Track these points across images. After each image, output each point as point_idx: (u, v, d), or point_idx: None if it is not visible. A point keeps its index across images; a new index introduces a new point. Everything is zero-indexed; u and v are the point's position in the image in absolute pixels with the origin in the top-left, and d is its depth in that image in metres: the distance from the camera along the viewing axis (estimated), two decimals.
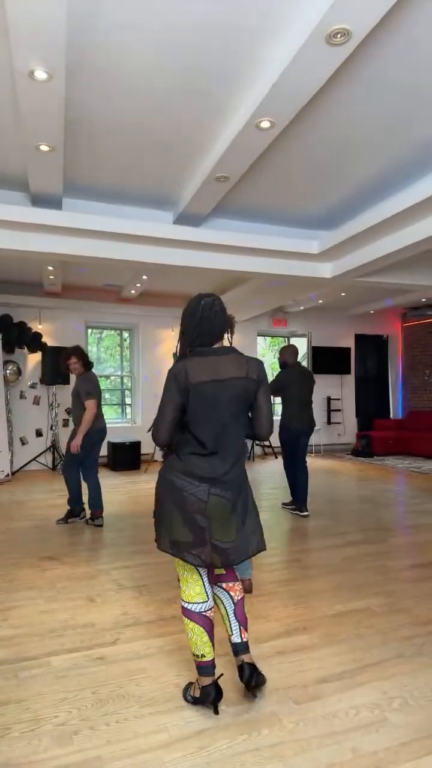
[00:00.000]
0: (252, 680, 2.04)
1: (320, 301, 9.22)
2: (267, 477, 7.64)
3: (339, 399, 10.82)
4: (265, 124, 3.37)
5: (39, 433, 8.57)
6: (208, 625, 2.06)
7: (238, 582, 2.20)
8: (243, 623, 2.14)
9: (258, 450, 10.07)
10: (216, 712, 2.02)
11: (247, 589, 3.21)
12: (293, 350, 5.47)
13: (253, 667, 2.06)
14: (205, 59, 2.95)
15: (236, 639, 2.11)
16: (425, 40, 2.81)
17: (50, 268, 6.75)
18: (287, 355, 5.44)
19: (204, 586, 2.09)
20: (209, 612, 2.08)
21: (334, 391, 10.82)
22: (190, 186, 4.61)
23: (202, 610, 2.06)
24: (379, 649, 2.52)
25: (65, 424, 8.68)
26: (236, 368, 2.03)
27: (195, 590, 2.08)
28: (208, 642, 2.04)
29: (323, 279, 6.31)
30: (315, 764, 1.74)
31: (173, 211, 5.20)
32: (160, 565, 3.68)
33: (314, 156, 4.15)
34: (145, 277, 7.42)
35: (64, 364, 4.96)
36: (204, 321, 2.05)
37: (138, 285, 7.99)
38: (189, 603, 2.08)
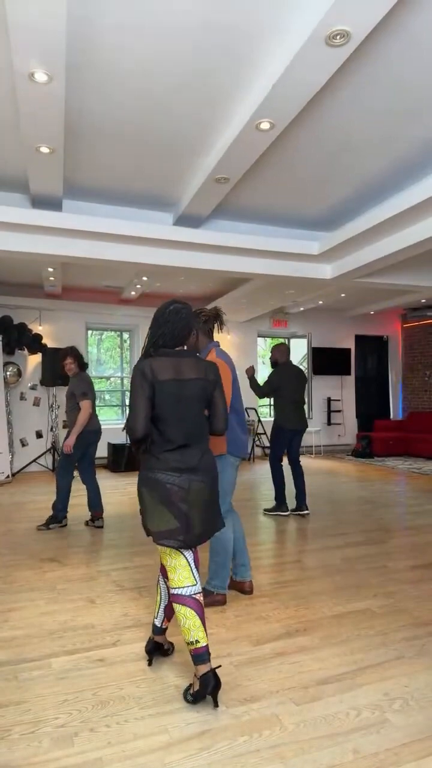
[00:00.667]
0: (152, 651, 2.39)
1: (320, 302, 9.22)
2: (266, 477, 7.63)
3: (339, 400, 10.82)
4: (265, 126, 3.37)
5: (39, 435, 8.57)
6: (199, 609, 2.13)
7: None
8: (168, 616, 2.36)
9: (258, 451, 10.07)
10: (216, 704, 2.03)
11: (248, 590, 3.21)
12: (284, 349, 5.47)
13: (158, 644, 2.40)
14: (205, 60, 2.96)
15: (157, 623, 2.38)
16: (425, 41, 2.81)
17: (50, 269, 6.75)
18: (278, 353, 5.44)
19: (192, 570, 2.19)
20: (199, 595, 2.16)
21: (335, 392, 10.82)
22: (190, 187, 4.62)
23: (193, 593, 2.14)
24: (380, 650, 2.51)
25: (65, 425, 8.65)
26: (195, 370, 2.22)
27: (183, 575, 2.17)
28: (201, 626, 2.09)
29: (323, 280, 6.32)
30: (316, 765, 1.74)
31: (173, 213, 5.21)
32: None
33: (314, 157, 4.15)
34: (145, 278, 7.43)
35: (60, 365, 4.95)
36: (167, 324, 2.22)
37: (138, 286, 7.99)
38: (179, 587, 2.15)
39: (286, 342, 10.88)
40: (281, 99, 3.08)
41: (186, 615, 2.10)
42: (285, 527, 4.90)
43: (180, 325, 2.23)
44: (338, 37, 2.52)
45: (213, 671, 2.06)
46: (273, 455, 5.42)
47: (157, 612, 2.38)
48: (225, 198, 4.73)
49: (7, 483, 7.40)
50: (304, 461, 9.18)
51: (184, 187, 4.69)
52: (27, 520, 5.19)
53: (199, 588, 2.17)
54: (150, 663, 2.38)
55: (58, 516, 4.86)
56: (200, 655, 2.06)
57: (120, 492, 6.66)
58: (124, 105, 3.42)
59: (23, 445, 8.46)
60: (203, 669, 2.05)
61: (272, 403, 5.44)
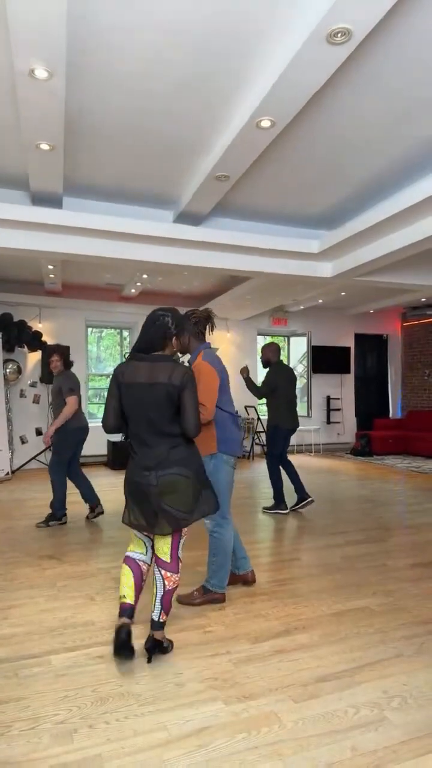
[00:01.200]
0: (151, 648, 2.40)
1: (320, 301, 9.21)
2: (265, 475, 7.63)
3: (339, 398, 10.82)
4: (266, 124, 3.37)
5: (39, 432, 8.57)
6: (138, 572, 2.48)
7: (176, 574, 2.45)
8: (166, 609, 2.43)
9: (258, 449, 10.08)
10: (117, 653, 2.33)
11: (252, 580, 3.31)
12: (276, 348, 5.50)
13: (157, 641, 2.42)
14: (205, 58, 2.95)
15: (155, 617, 2.43)
16: (426, 39, 2.81)
17: (50, 266, 6.75)
18: (270, 353, 5.44)
19: (146, 547, 2.54)
20: (144, 565, 2.51)
21: (334, 391, 10.83)
22: (190, 185, 4.61)
23: (139, 558, 2.51)
24: (379, 648, 2.52)
25: None
26: (164, 375, 2.35)
27: (139, 546, 2.54)
28: (133, 586, 2.44)
29: (323, 278, 6.32)
30: (314, 763, 1.75)
31: (173, 210, 5.20)
32: None
33: (315, 155, 4.15)
34: (145, 275, 7.42)
35: (46, 362, 5.00)
36: (142, 330, 2.46)
37: (138, 284, 7.99)
38: (130, 552, 2.54)
39: (287, 340, 10.89)
40: (282, 97, 3.07)
41: (124, 573, 2.48)
42: (284, 525, 4.91)
43: (152, 330, 2.41)
44: (339, 35, 2.52)
45: (125, 628, 2.33)
46: (271, 455, 5.40)
47: (154, 605, 2.42)
48: (225, 196, 4.72)
49: (6, 480, 7.40)
50: (303, 459, 9.20)
51: (184, 184, 4.68)
52: (27, 518, 5.19)
53: (148, 559, 2.52)
54: (149, 660, 2.39)
55: (57, 514, 4.87)
56: (124, 610, 2.40)
57: (119, 489, 6.65)
58: (125, 103, 3.41)
59: (23, 443, 8.46)
60: (119, 622, 2.37)
61: (266, 402, 5.46)
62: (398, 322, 11.37)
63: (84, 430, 4.91)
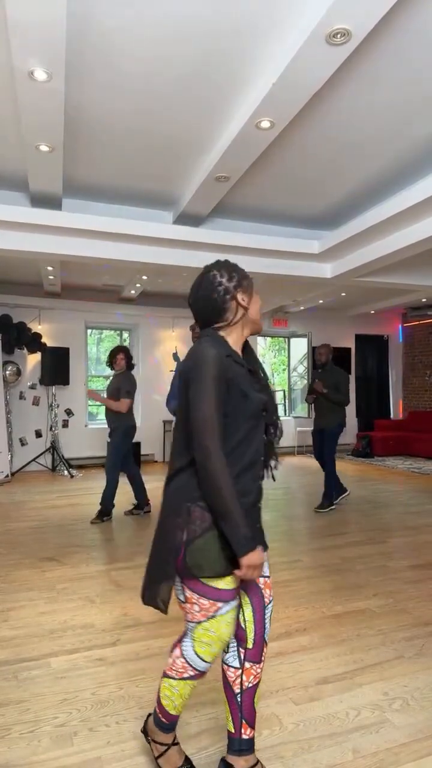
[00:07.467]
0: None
1: (320, 301, 9.21)
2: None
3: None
4: (265, 124, 3.37)
5: (38, 434, 8.56)
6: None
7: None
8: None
9: None
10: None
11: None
12: (332, 348, 5.90)
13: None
14: (205, 58, 2.95)
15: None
16: (426, 39, 2.80)
17: (50, 268, 6.75)
18: (330, 353, 5.83)
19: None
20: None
21: None
22: (190, 186, 4.61)
23: None
24: (379, 649, 2.51)
25: (65, 425, 8.67)
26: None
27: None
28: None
29: (323, 279, 6.31)
30: (315, 765, 1.74)
31: (173, 211, 5.20)
32: None
33: (315, 155, 4.15)
34: (145, 277, 7.42)
35: (110, 359, 5.30)
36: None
37: (138, 285, 7.98)
38: None
39: (287, 341, 10.88)
40: (281, 98, 3.07)
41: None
42: (284, 527, 4.90)
43: (191, 301, 1.72)
44: (339, 35, 2.52)
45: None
46: (332, 453, 5.58)
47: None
48: (225, 196, 4.72)
49: (6, 482, 7.39)
50: (304, 461, 9.19)
51: (184, 185, 4.68)
52: (26, 520, 5.19)
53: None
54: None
55: (108, 509, 5.14)
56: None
57: (119, 491, 6.64)
58: (124, 103, 3.41)
59: (22, 445, 8.45)
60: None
61: (320, 403, 5.63)
62: (399, 323, 11.35)
63: (135, 428, 5.27)
